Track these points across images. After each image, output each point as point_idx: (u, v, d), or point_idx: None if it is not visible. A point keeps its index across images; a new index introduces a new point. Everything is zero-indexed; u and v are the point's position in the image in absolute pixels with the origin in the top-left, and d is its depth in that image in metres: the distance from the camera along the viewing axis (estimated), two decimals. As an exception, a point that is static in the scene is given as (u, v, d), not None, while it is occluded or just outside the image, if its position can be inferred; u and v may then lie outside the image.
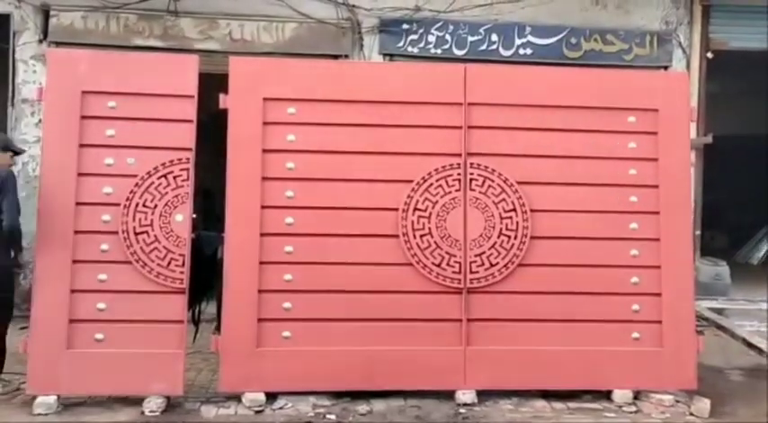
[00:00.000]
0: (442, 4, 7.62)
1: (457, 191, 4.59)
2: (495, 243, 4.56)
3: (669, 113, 4.74)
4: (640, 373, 4.58)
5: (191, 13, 7.47)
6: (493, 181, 4.60)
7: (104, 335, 4.30)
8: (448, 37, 7.69)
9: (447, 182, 4.59)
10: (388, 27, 7.66)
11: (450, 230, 4.56)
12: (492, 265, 4.55)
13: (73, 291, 4.29)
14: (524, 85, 4.73)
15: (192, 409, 4.35)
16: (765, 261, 10.18)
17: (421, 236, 4.54)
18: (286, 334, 4.43)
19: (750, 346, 4.98)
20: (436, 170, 4.59)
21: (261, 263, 4.42)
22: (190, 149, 4.44)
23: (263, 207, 4.46)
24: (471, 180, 4.59)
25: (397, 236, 4.53)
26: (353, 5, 7.63)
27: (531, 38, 7.73)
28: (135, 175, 4.40)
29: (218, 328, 4.60)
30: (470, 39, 7.69)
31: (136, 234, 4.35)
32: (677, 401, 4.57)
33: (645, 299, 4.64)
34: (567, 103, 4.69)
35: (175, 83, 4.48)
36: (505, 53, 7.70)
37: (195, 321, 4.89)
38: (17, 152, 4.87)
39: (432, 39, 7.69)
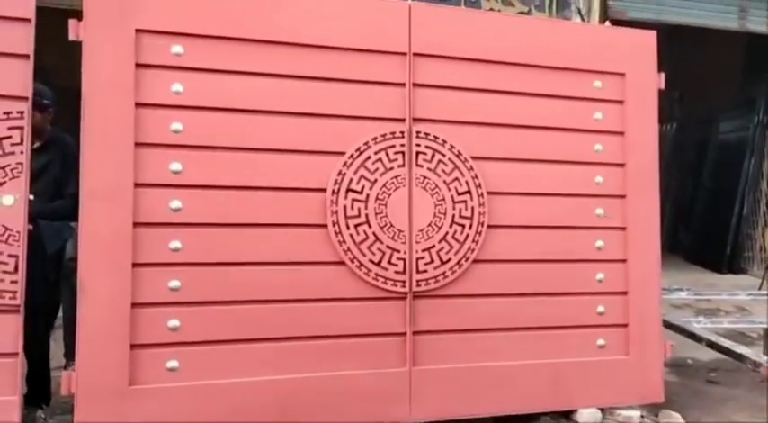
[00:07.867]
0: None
1: (400, 167, 3.53)
2: (447, 234, 3.59)
3: (636, 79, 4.00)
4: (606, 386, 3.85)
5: None
6: (444, 155, 3.60)
7: None
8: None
9: (388, 155, 3.51)
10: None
11: (391, 218, 3.51)
12: (443, 263, 3.57)
13: None
14: (480, 34, 3.73)
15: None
16: None
17: (356, 226, 3.44)
18: (172, 364, 3.16)
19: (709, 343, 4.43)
20: (374, 140, 3.49)
21: (134, 265, 3.11)
22: (24, 99, 2.99)
23: (137, 185, 3.13)
24: (418, 153, 3.56)
25: (324, 226, 3.41)
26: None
27: (429, -11, 6.76)
28: (-68, 136, 2.90)
29: (68, 361, 3.24)
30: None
31: (-64, 225, 2.86)
32: (642, 417, 3.93)
33: (610, 298, 3.91)
34: (528, 60, 3.78)
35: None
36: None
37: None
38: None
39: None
